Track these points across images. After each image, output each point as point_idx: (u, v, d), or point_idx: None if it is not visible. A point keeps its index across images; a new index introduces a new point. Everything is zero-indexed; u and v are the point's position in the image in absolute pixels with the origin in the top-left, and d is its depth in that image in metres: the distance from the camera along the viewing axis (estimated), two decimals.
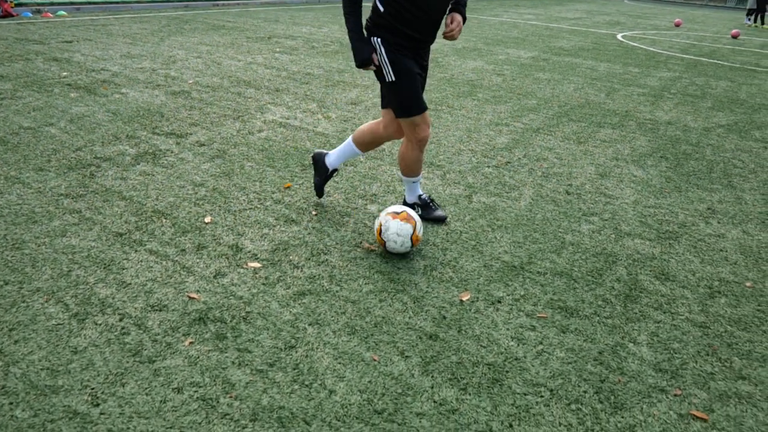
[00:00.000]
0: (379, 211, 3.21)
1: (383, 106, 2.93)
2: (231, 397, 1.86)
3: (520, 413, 1.90)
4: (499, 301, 2.48)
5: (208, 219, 3.00)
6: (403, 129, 2.84)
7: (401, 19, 2.61)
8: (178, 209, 3.09)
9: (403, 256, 2.77)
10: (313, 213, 3.15)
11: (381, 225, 2.73)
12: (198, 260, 2.62)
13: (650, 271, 2.82)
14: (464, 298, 2.47)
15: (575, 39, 11.26)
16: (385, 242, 2.71)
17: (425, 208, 3.13)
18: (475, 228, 3.11)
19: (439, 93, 6.00)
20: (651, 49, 10.72)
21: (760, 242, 3.20)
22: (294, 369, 2.00)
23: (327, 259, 2.70)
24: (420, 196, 3.15)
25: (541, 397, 1.98)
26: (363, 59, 2.65)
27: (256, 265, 2.61)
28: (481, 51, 9.02)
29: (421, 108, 2.76)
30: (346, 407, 1.86)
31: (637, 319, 2.44)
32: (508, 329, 2.30)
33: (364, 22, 2.69)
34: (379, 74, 2.73)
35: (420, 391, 1.95)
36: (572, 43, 10.64)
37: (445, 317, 2.35)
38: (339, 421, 1.80)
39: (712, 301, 2.62)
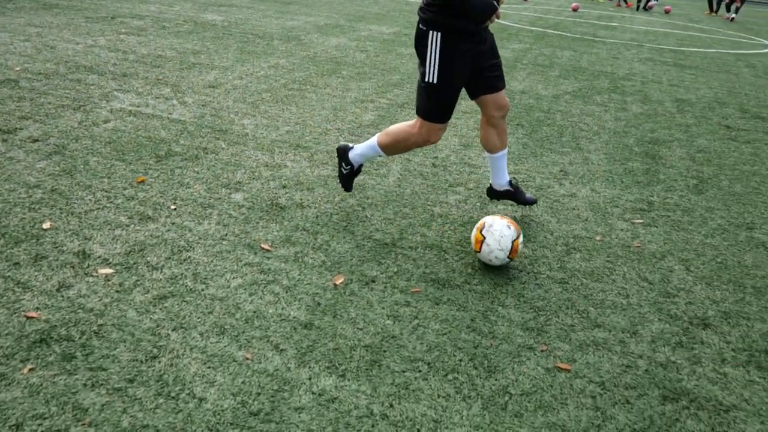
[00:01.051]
0: (246, 200, 3.05)
1: (473, 97, 2.76)
2: (84, 424, 1.66)
3: (399, 391, 1.89)
4: (373, 281, 2.46)
5: (46, 225, 2.66)
6: (419, 126, 2.66)
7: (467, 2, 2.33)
8: (8, 216, 2.71)
9: (273, 245, 2.65)
10: (172, 207, 2.92)
11: (484, 223, 2.58)
12: (36, 273, 2.31)
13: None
14: (338, 282, 2.42)
15: None
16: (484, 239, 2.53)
17: (353, 174, 3.02)
18: (345, 208, 3.07)
19: (302, 72, 5.85)
20: (503, 22, 11.29)
21: (606, 198, 3.49)
22: (158, 381, 1.83)
23: (190, 257, 2.51)
24: (361, 165, 3.01)
25: (419, 372, 1.99)
26: (492, 5, 2.35)
27: (108, 271, 2.36)
28: (344, 27, 8.94)
29: (445, 117, 2.63)
30: (218, 414, 1.74)
31: (504, 282, 2.55)
32: (383, 308, 2.29)
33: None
34: (421, 64, 2.52)
35: (297, 384, 1.88)
36: None
37: (319, 304, 2.28)
38: (211, 430, 1.68)
39: (569, 257, 2.80)
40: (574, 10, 14.63)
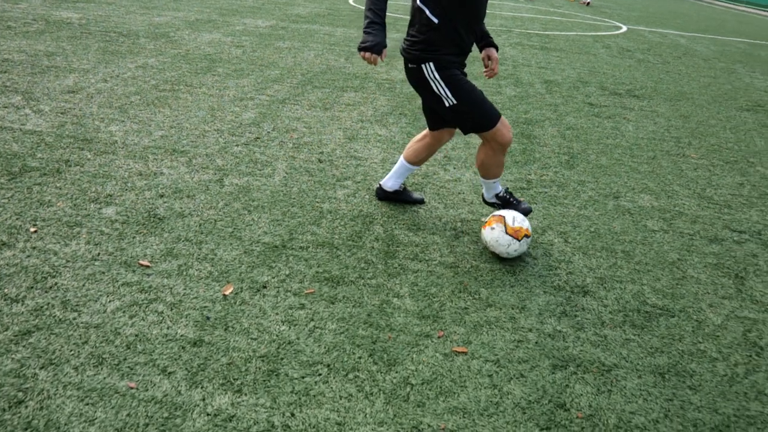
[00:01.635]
0: (120, 213, 2.82)
1: (433, 128, 2.90)
2: None
3: (300, 399, 1.84)
4: (265, 287, 2.37)
5: None
6: (489, 138, 2.68)
7: (454, 33, 2.51)
8: None
9: (152, 260, 2.47)
10: (32, 230, 2.62)
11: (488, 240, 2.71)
12: None
13: (404, 224, 2.99)
14: (227, 292, 2.31)
15: (310, 6, 11.40)
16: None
17: (507, 205, 2.96)
18: (230, 213, 2.93)
19: (174, 71, 5.52)
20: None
21: None
22: (26, 429, 1.64)
23: (57, 283, 2.28)
24: (498, 194, 2.99)
25: (319, 375, 1.94)
26: (379, 45, 2.40)
27: None
28: (216, 22, 8.56)
29: (497, 113, 2.64)
30: None
31: (398, 273, 2.56)
32: (277, 314, 2.22)
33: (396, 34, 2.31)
34: (432, 102, 2.66)
35: (190, 407, 1.76)
36: (308, 10, 10.75)
37: (208, 318, 2.16)
38: None
39: (458, 241, 2.88)
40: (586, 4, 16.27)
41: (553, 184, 3.67)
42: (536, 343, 2.22)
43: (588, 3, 17.09)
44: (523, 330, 2.28)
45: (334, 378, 1.94)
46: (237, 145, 3.82)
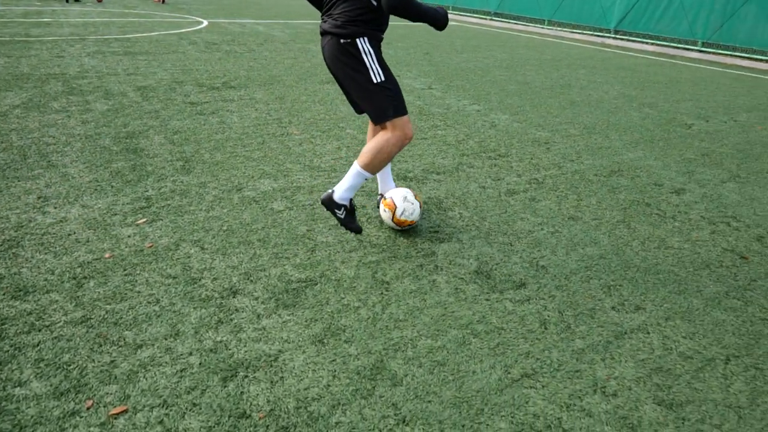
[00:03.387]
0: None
1: (359, 111, 3.02)
2: None
3: None
4: None
5: None
6: (391, 127, 2.77)
7: (383, 14, 2.69)
8: None
9: None
10: None
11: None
12: None
13: (2, 293, 2.43)
14: None
15: None
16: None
17: (351, 213, 3.02)
18: None
19: None
20: None
21: (101, 210, 3.24)
22: None
23: None
24: (352, 199, 3.00)
25: None
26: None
27: None
28: None
29: (405, 107, 2.79)
30: None
31: (12, 356, 2.08)
32: None
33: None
34: (359, 78, 2.70)
35: None
36: None
37: None
38: None
39: (83, 290, 2.50)
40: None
41: (174, 194, 3.51)
42: (200, 364, 2.11)
43: (163, 1, 16.85)
44: (183, 357, 2.13)
45: None
46: None
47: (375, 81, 2.69)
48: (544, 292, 2.73)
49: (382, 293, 2.64)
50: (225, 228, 3.14)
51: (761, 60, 11.86)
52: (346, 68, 2.73)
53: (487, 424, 1.93)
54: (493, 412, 1.98)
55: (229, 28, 11.95)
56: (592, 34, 14.94)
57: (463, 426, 1.91)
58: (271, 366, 2.13)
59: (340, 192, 2.92)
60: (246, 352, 2.19)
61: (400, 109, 2.77)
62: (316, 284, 2.67)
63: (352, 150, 4.56)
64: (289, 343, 2.26)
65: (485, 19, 18.51)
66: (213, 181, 3.76)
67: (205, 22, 12.57)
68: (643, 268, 3.02)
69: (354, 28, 2.66)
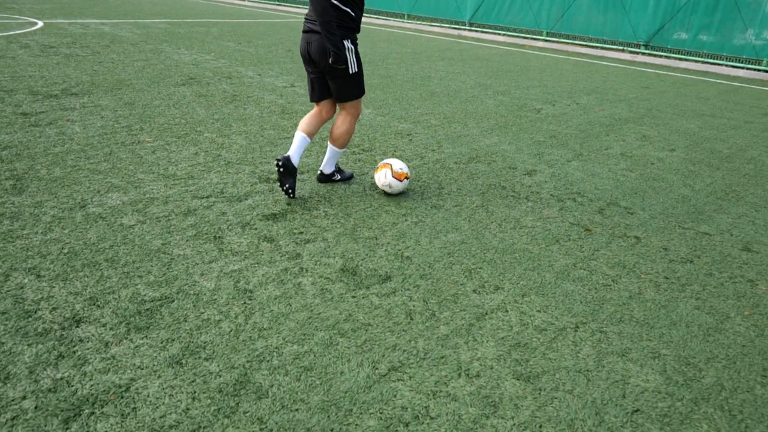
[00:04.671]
0: None
1: (315, 100, 3.66)
2: None
3: None
4: None
5: None
6: (351, 108, 3.65)
7: (359, 22, 3.45)
8: None
9: None
10: None
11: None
12: None
13: None
14: None
15: None
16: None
17: (340, 173, 3.99)
18: None
19: None
20: None
21: None
22: None
23: None
24: (337, 164, 3.95)
25: None
26: (345, 58, 3.38)
27: None
28: None
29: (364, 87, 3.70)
30: None
31: None
32: None
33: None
34: (338, 69, 3.40)
35: None
36: None
37: None
38: None
39: None
40: None
41: (2, 219, 3.12)
42: (36, 408, 1.88)
43: None
44: (14, 403, 1.88)
45: None
46: None
47: (350, 72, 3.46)
48: (409, 282, 2.77)
49: (245, 303, 2.53)
50: (66, 251, 2.84)
51: (596, 47, 13.09)
52: (331, 61, 3.39)
53: (356, 424, 1.91)
54: (361, 411, 1.96)
55: (69, 29, 10.92)
56: (449, 27, 15.60)
57: (332, 430, 1.88)
58: (122, 397, 1.95)
59: (329, 167, 3.91)
60: (92, 386, 1.99)
61: (361, 92, 3.61)
62: (173, 301, 2.50)
63: (211, 155, 4.35)
64: (143, 369, 2.09)
65: None
66: (51, 200, 3.39)
67: (40, 23, 11.39)
68: (500, 249, 3.18)
69: (344, 32, 3.40)
